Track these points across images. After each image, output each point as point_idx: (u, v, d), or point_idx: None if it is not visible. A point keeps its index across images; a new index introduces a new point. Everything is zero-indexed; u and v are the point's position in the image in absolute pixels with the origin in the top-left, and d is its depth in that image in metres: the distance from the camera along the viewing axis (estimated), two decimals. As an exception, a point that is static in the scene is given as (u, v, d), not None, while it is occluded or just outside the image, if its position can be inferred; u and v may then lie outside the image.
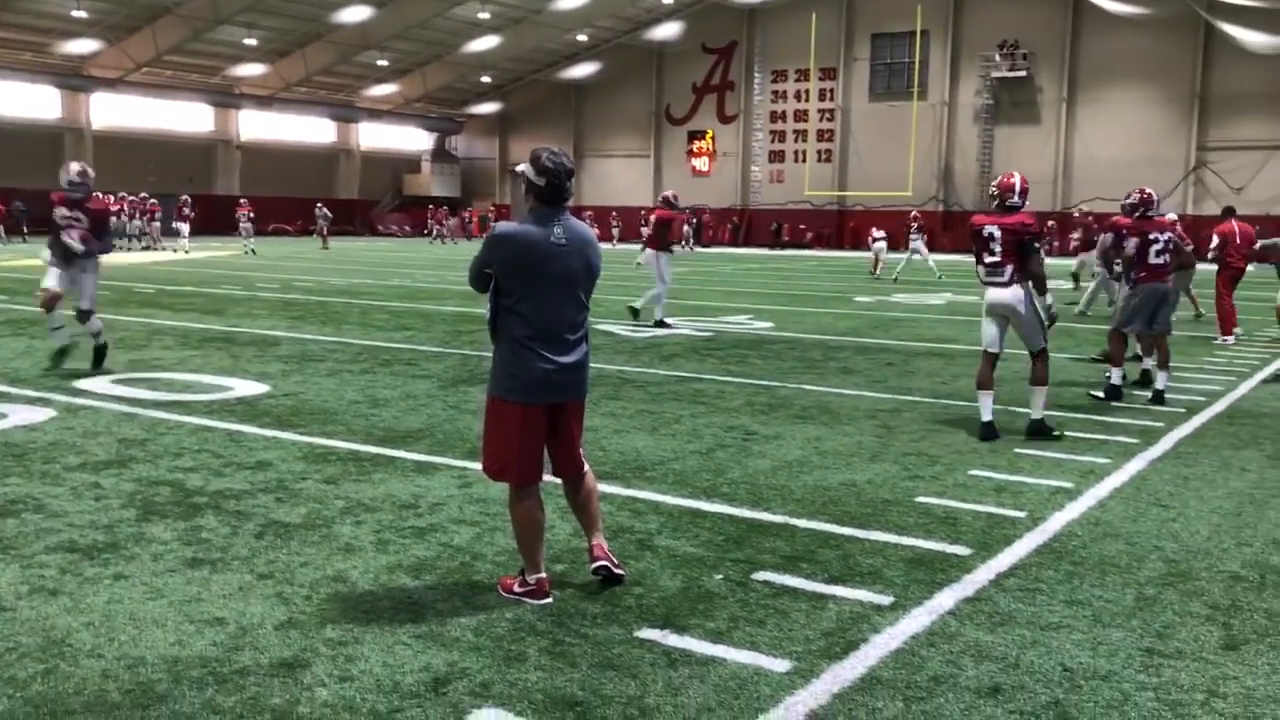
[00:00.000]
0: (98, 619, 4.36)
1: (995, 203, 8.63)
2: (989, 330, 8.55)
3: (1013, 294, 8.39)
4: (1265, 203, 44.68)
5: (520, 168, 4.77)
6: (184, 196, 39.62)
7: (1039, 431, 8.35)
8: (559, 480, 4.97)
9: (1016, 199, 8.49)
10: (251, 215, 38.69)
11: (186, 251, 36.56)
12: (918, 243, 29.01)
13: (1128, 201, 10.75)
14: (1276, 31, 43.69)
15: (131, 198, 41.20)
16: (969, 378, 11.50)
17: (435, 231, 54.29)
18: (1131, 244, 10.43)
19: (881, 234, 31.61)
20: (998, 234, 8.40)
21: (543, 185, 4.61)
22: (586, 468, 4.98)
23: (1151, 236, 10.35)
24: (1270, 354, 13.88)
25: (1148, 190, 10.66)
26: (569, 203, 4.70)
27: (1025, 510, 6.27)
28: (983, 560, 5.35)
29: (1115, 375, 10.23)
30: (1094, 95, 49.62)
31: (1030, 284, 8.41)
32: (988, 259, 8.46)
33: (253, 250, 37.11)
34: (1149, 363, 11.25)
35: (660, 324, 15.78)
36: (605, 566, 4.81)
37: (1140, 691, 3.92)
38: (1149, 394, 10.22)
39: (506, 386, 4.68)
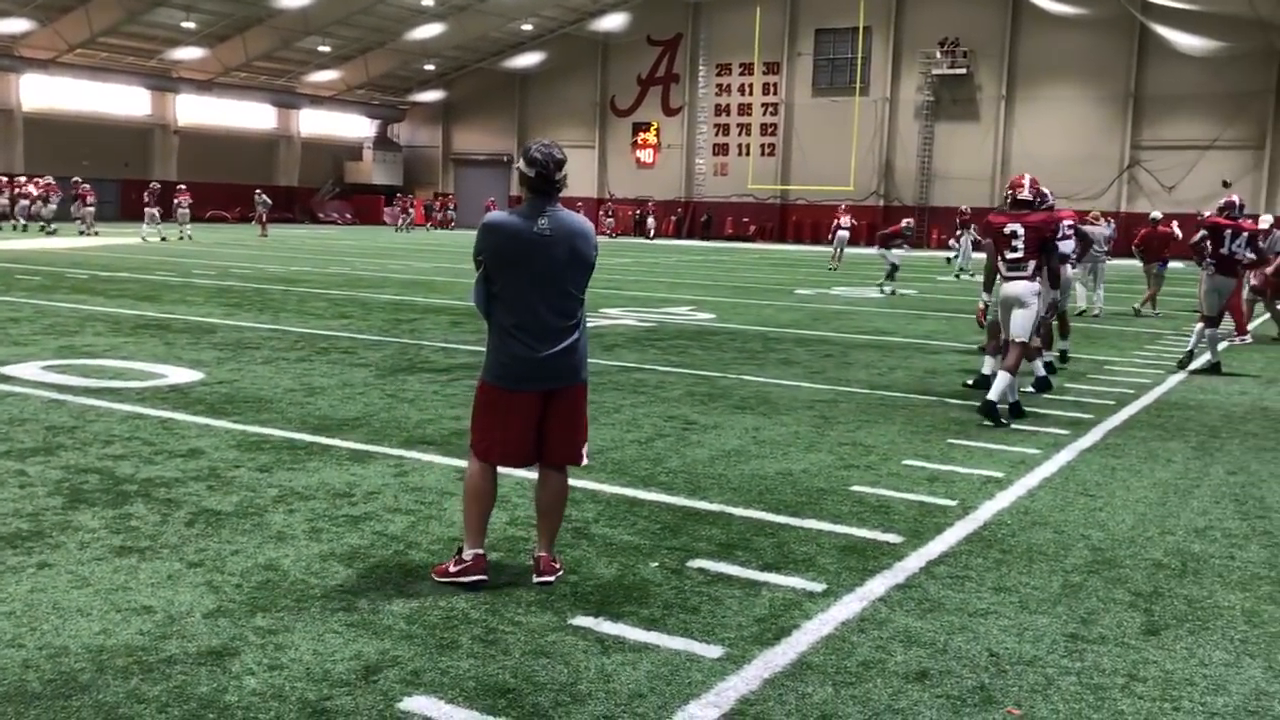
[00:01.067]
0: (19, 608, 4.27)
1: (1007, 201, 9.19)
2: (1003, 319, 9.11)
3: (1026, 286, 8.88)
4: (1196, 201, 45.57)
5: (518, 163, 4.81)
6: (76, 179, 38.96)
7: (988, 411, 8.64)
8: (502, 470, 4.95)
9: (1027, 194, 9.09)
10: (188, 201, 37.93)
11: (90, 235, 36.10)
12: (965, 238, 30.54)
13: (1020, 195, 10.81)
14: (1208, 34, 44.62)
15: (47, 181, 40.27)
16: (905, 370, 11.66)
17: (401, 221, 54.17)
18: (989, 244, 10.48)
19: (848, 222, 32.06)
20: (1021, 231, 8.86)
21: (533, 176, 4.66)
22: (569, 469, 4.92)
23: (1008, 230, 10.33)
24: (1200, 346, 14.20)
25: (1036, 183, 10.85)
26: (561, 193, 4.72)
27: (956, 499, 6.36)
28: (914, 548, 5.43)
29: (987, 365, 10.19)
30: (1032, 93, 50.35)
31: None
32: (1009, 255, 8.92)
33: (187, 236, 36.42)
34: (1063, 345, 11.81)
35: None
36: (548, 582, 4.75)
37: (1063, 676, 4.01)
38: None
39: (493, 372, 4.75)
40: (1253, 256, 13.06)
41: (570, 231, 4.70)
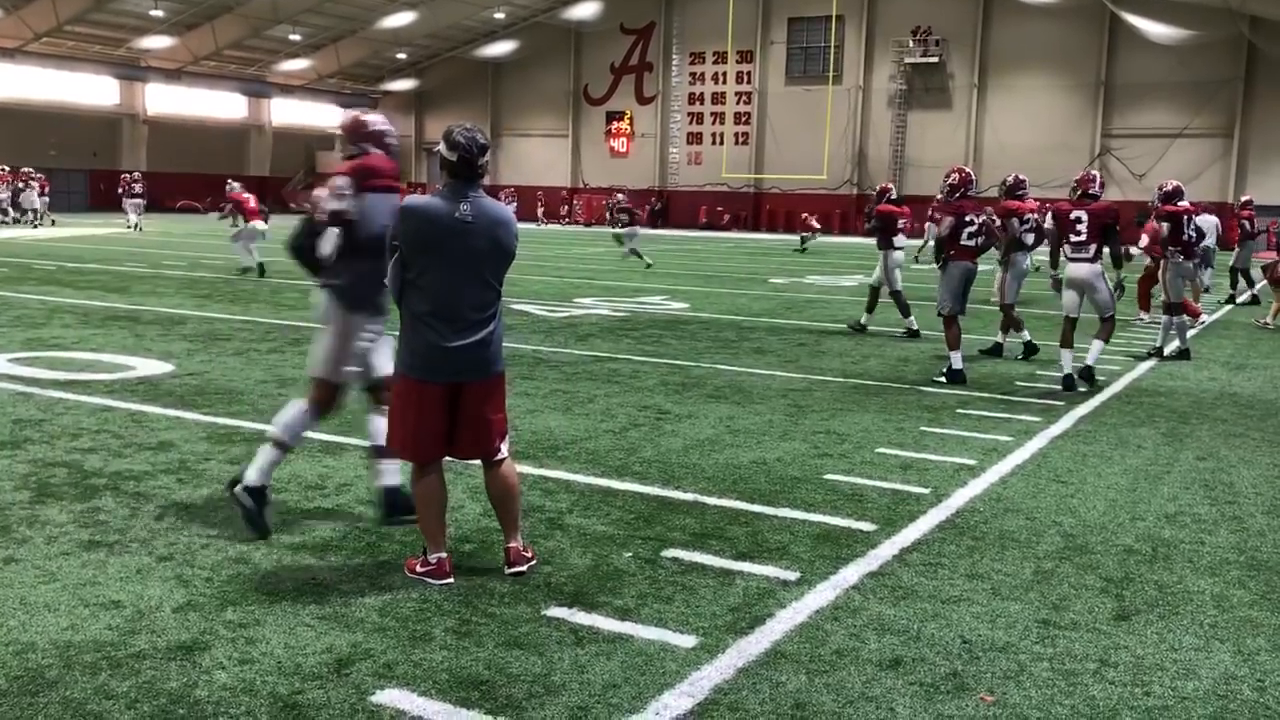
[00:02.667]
0: (-14, 604, 4.22)
1: (1077, 194, 10.26)
2: (1070, 298, 10.22)
3: (1090, 269, 10.10)
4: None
5: (438, 146, 4.70)
6: (26, 170, 38.68)
7: (1088, 375, 10.01)
8: (474, 462, 4.91)
9: (1096, 189, 10.26)
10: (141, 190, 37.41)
11: (35, 226, 35.81)
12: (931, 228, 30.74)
13: (953, 180, 10.90)
14: (1178, 23, 44.91)
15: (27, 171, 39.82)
16: (879, 358, 11.70)
17: None
18: (946, 224, 10.58)
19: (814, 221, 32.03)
20: (1085, 218, 10.06)
21: (454, 160, 4.56)
22: (503, 458, 4.77)
23: (968, 219, 10.52)
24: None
25: (966, 170, 11.00)
26: (483, 179, 4.63)
27: (930, 487, 6.38)
28: (887, 536, 5.44)
29: (955, 359, 10.23)
30: (1004, 82, 50.56)
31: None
32: (1074, 239, 10.11)
33: (139, 227, 35.93)
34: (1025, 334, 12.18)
35: None
36: (519, 572, 4.72)
37: (1036, 662, 4.03)
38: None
39: (406, 362, 4.64)
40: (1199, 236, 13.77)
41: (493, 220, 4.58)
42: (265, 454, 5.26)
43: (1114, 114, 48.82)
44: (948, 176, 10.98)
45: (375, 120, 5.51)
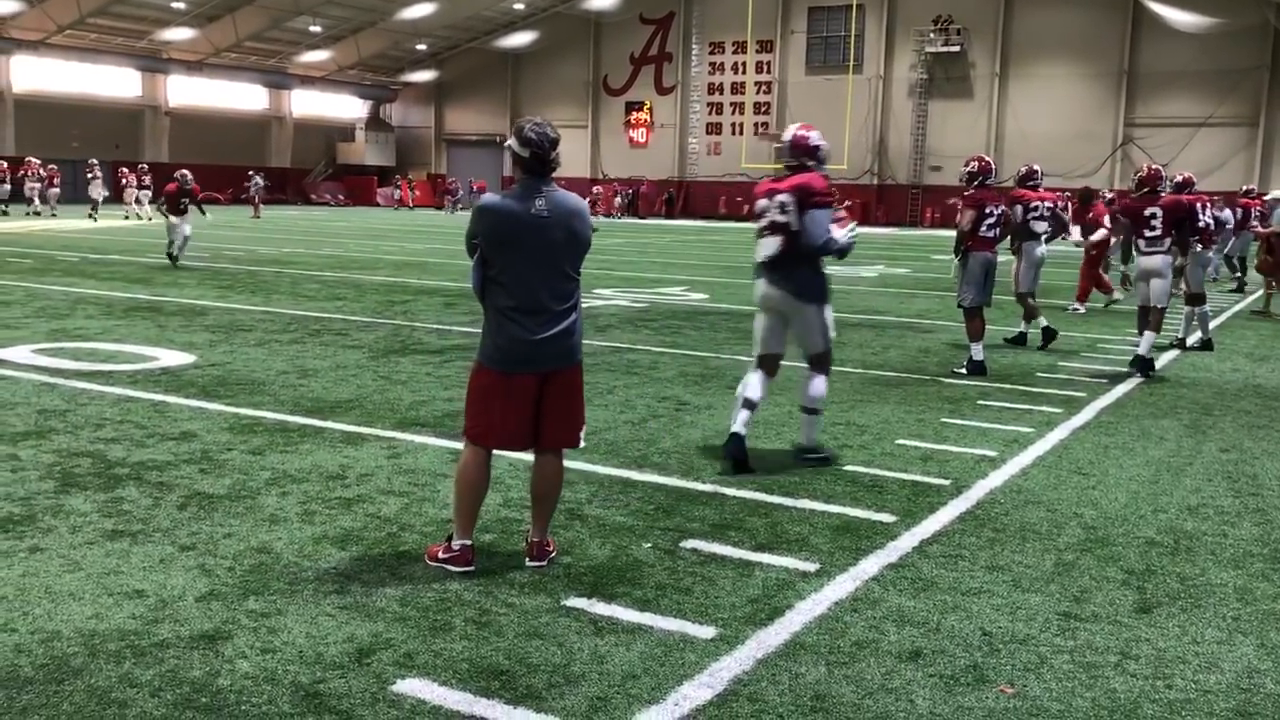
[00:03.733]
0: (11, 592, 4.26)
1: (1145, 189, 10.52)
2: (1144, 288, 10.52)
3: (1163, 260, 10.46)
4: (1190, 179, 45.57)
5: (508, 142, 4.73)
6: (32, 160, 39.03)
7: (1145, 366, 10.26)
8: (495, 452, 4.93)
9: (1166, 185, 10.83)
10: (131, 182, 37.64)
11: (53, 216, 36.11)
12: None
13: (972, 169, 10.84)
14: (1203, 11, 44.50)
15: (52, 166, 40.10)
16: (899, 349, 11.66)
17: (449, 203, 55.23)
18: (968, 218, 10.54)
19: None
20: (1159, 213, 10.42)
21: (526, 156, 4.58)
22: (560, 453, 4.85)
23: (987, 209, 10.48)
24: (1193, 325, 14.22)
25: (986, 158, 10.94)
26: (555, 173, 4.65)
27: (950, 478, 6.37)
28: (907, 527, 5.43)
29: (977, 351, 10.23)
30: (1026, 71, 50.24)
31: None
32: (1148, 233, 10.43)
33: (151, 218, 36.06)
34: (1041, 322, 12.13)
35: None
36: (541, 566, 4.74)
37: (1056, 654, 4.01)
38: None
39: (490, 355, 4.69)
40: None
41: (567, 211, 4.64)
42: (807, 422, 6.80)
43: (1137, 103, 48.46)
44: (966, 164, 10.93)
45: (815, 137, 6.64)
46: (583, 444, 4.97)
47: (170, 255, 19.45)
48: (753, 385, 6.70)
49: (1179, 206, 10.63)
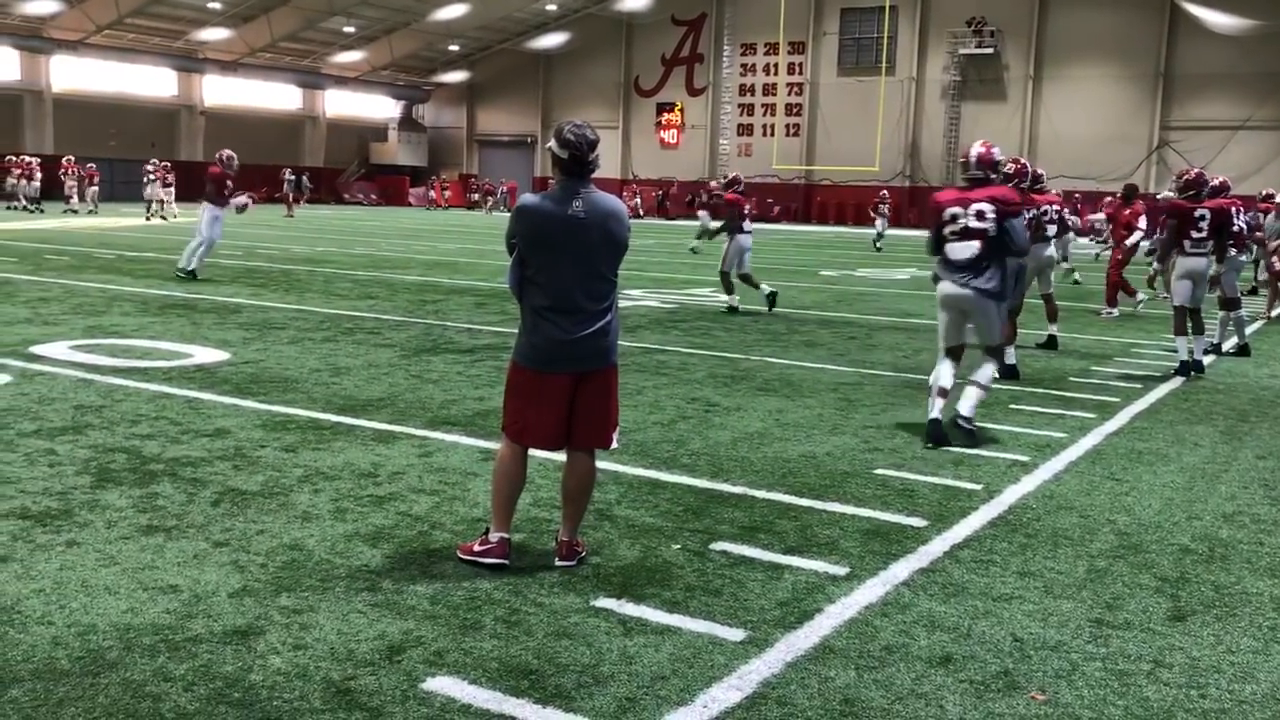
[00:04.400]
0: (49, 586, 4.32)
1: (1192, 191, 10.74)
2: (1185, 288, 10.71)
3: (1206, 262, 10.78)
4: (1227, 183, 45.05)
5: (549, 144, 4.77)
6: (68, 158, 39.48)
7: (1197, 368, 10.54)
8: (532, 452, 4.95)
9: (1217, 184, 11.10)
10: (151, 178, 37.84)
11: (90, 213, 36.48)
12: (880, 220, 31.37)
13: (1008, 170, 10.72)
14: (1240, 12, 44.01)
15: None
16: (931, 352, 11.57)
17: (489, 203, 56.47)
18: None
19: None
20: (1208, 215, 10.70)
21: (565, 158, 4.62)
22: (597, 452, 4.89)
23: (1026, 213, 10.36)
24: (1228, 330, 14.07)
25: (1023, 161, 10.86)
26: (594, 174, 4.69)
27: (981, 483, 6.33)
28: (938, 532, 5.40)
29: (1010, 355, 10.14)
30: (1060, 73, 49.86)
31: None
32: (1195, 235, 10.66)
33: (164, 216, 36.29)
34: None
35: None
36: (570, 566, 4.75)
37: (1088, 661, 3.98)
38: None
39: (525, 354, 4.74)
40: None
41: (604, 213, 4.67)
42: (970, 394, 7.46)
43: (1173, 106, 47.97)
44: (1004, 165, 10.85)
45: (997, 153, 7.60)
46: (615, 445, 4.99)
47: (185, 271, 16.62)
48: (944, 375, 7.47)
49: (1223, 210, 10.79)
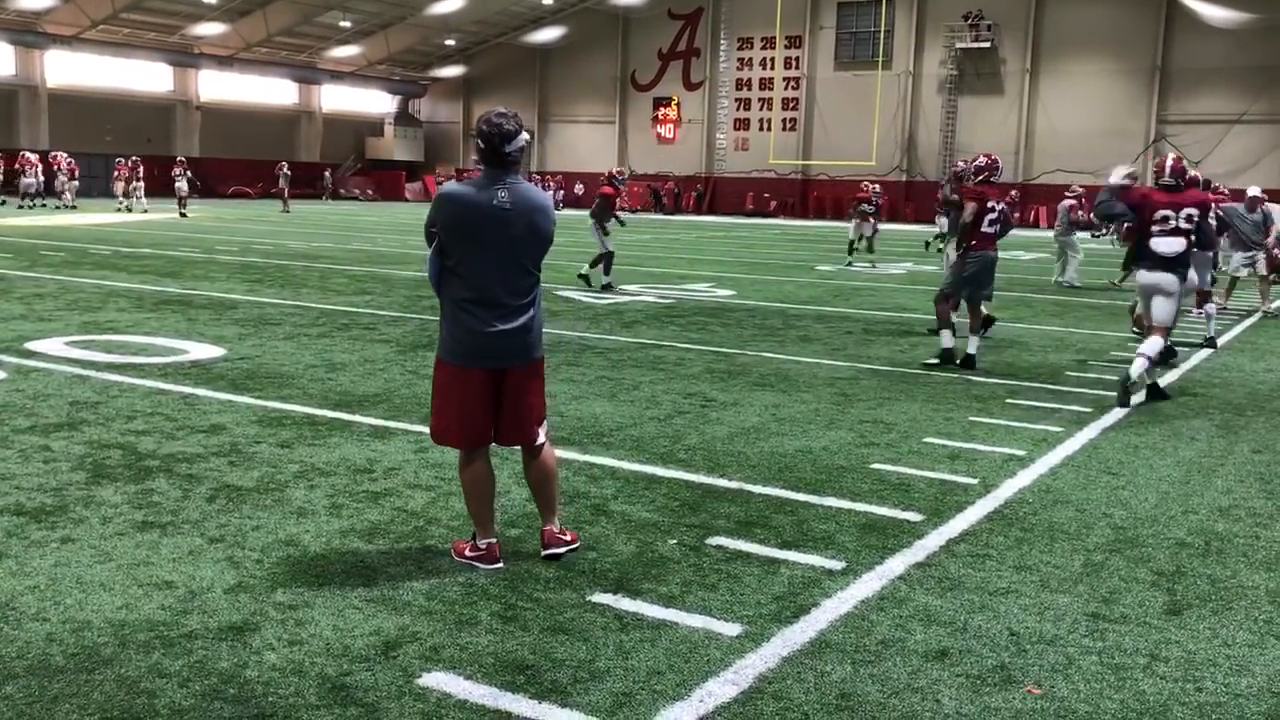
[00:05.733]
0: (43, 582, 4.31)
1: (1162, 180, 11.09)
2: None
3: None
4: (1223, 176, 44.97)
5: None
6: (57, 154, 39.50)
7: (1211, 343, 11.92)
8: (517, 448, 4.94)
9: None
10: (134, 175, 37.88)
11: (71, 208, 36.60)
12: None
13: (979, 163, 10.73)
14: (1236, 6, 43.99)
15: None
16: (927, 346, 11.59)
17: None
18: (970, 210, 10.39)
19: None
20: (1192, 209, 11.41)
21: (483, 148, 4.56)
22: (542, 444, 4.80)
23: (989, 204, 10.29)
24: (1224, 324, 14.07)
25: (994, 156, 10.79)
26: (517, 165, 4.60)
27: (978, 477, 6.33)
28: (934, 526, 5.40)
29: (946, 339, 10.28)
30: (1056, 67, 49.85)
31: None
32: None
33: (130, 210, 36.38)
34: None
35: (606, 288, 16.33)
36: (555, 554, 4.75)
37: (1084, 655, 3.98)
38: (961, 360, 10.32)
39: (447, 348, 4.67)
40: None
41: (530, 206, 4.57)
42: (1141, 365, 8.61)
43: (1170, 99, 47.99)
44: (975, 159, 10.92)
45: (1187, 165, 9.15)
46: (542, 439, 4.82)
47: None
48: (1155, 346, 8.77)
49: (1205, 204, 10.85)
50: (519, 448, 4.90)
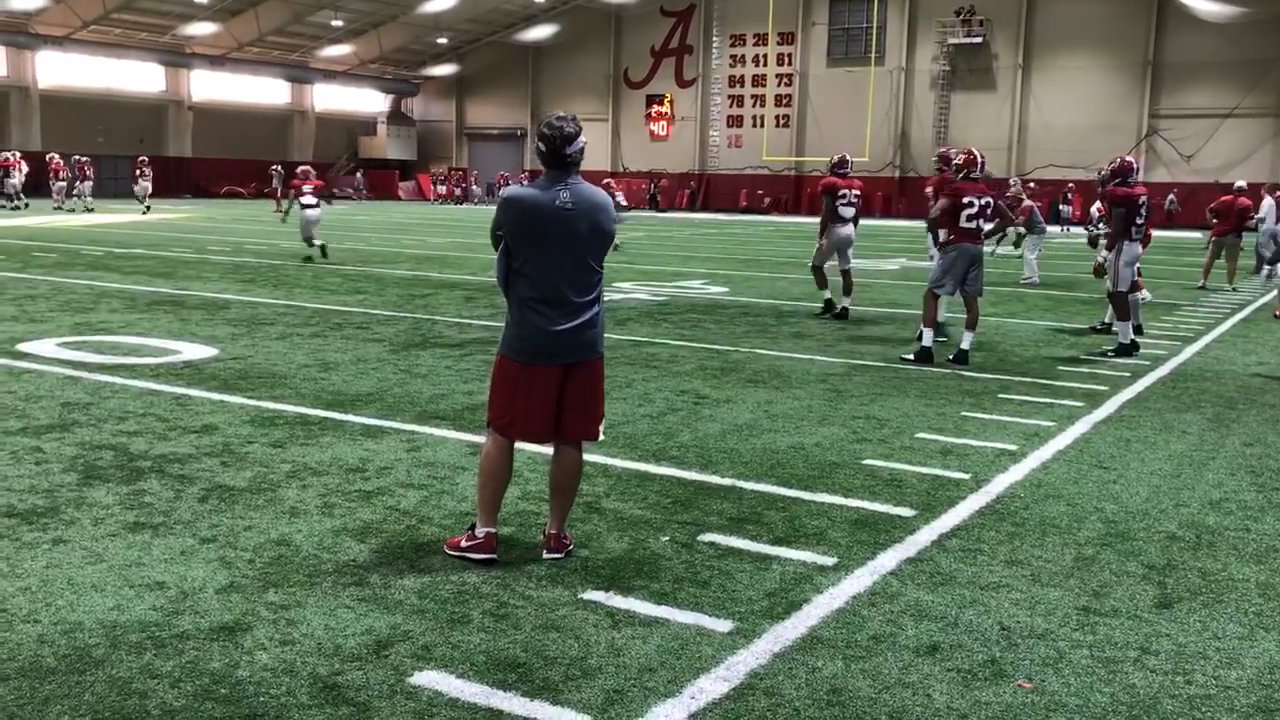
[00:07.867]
0: (35, 584, 4.30)
1: (1119, 179, 11.14)
2: (1129, 275, 11.21)
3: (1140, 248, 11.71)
4: (1214, 170, 45.26)
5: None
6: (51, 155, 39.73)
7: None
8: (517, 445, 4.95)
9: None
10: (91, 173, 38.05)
11: (88, 210, 36.62)
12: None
13: (958, 161, 10.73)
14: (1228, 0, 44.05)
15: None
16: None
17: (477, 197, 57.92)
18: (938, 207, 10.44)
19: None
20: (1147, 202, 11.39)
21: (544, 151, 4.65)
22: (589, 441, 4.92)
23: (966, 200, 10.23)
24: (1215, 317, 14.10)
25: (974, 151, 10.65)
26: (578, 167, 4.69)
27: (969, 472, 6.34)
28: (926, 521, 5.41)
29: (927, 336, 10.31)
30: (1049, 62, 49.90)
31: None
32: (1138, 222, 11.21)
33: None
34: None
35: None
36: (557, 559, 4.76)
37: (1075, 649, 4.00)
38: (951, 354, 10.35)
39: (513, 346, 4.74)
40: None
41: (591, 205, 4.68)
42: None
43: (1161, 94, 48.06)
44: (955, 156, 10.94)
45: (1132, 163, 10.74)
46: (601, 437, 4.99)
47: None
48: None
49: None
50: (542, 449, 4.95)
